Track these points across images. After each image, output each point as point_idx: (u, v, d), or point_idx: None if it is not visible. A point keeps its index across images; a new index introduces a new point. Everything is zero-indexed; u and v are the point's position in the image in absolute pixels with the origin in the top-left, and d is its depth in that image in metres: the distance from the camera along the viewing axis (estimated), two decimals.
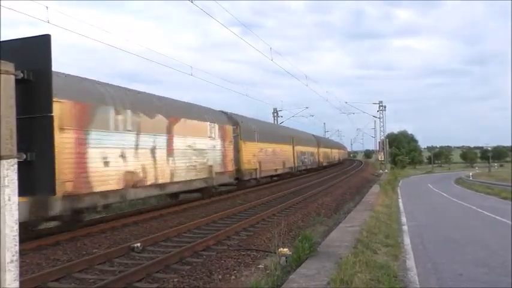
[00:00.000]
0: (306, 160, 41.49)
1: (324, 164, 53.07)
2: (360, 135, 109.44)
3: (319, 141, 51.14)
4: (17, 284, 2.42)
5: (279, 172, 30.81)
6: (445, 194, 28.12)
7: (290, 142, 34.94)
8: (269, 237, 9.36)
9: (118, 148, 12.43)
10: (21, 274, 2.58)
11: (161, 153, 14.71)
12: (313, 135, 50.39)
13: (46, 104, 2.63)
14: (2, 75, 2.41)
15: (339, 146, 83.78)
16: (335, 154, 69.28)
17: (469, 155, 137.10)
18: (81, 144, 11.11)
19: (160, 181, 14.52)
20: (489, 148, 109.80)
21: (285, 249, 7.46)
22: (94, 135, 11.50)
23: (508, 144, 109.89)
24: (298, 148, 37.78)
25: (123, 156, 12.57)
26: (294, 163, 35.78)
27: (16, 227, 2.42)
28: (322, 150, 51.82)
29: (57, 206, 10.10)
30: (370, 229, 10.00)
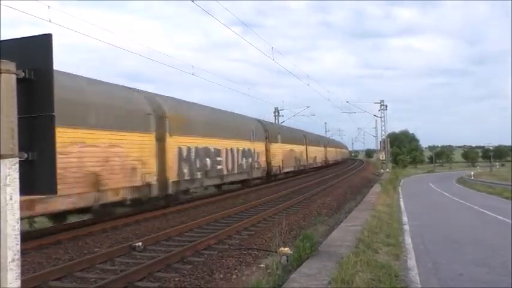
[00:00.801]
0: (218, 166, 19.90)
1: (286, 169, 32.67)
2: (361, 134, 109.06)
3: (272, 132, 30.03)
4: (18, 283, 2.42)
5: (72, 205, 10.95)
6: (446, 194, 28.09)
7: (149, 128, 14.50)
8: (270, 237, 9.37)
9: None
10: (22, 273, 2.58)
11: None
12: (258, 121, 29.20)
13: (47, 103, 2.63)
14: (3, 74, 2.42)
15: (329, 143, 61.30)
16: (318, 154, 47.69)
17: (470, 155, 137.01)
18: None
19: None
20: (490, 148, 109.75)
21: (286, 249, 7.47)
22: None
23: (509, 144, 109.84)
24: (187, 141, 17.05)
25: None
26: (165, 173, 15.21)
27: (18, 226, 2.43)
28: (280, 147, 31.12)
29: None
30: (372, 228, 9.99)
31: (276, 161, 29.98)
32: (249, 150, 24.40)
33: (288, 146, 33.64)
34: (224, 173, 20.46)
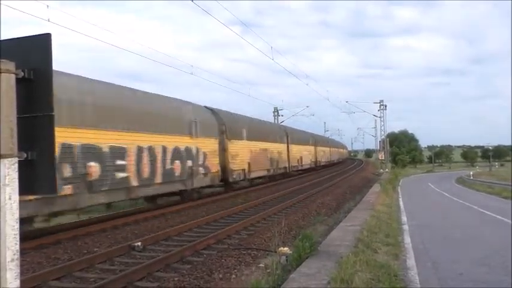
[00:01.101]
0: (120, 173, 13.03)
1: (256, 174, 25.66)
2: (360, 134, 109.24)
3: (231, 125, 22.52)
4: (17, 282, 2.42)
5: None
6: (445, 193, 28.10)
7: None
8: (269, 237, 9.37)
9: None
10: (21, 273, 2.59)
11: None
12: (209, 109, 21.47)
13: (47, 102, 2.64)
14: (2, 74, 2.42)
15: (322, 142, 52.83)
16: (305, 154, 40.82)
17: (469, 154, 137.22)
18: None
19: None
20: (490, 147, 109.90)
21: (286, 249, 7.47)
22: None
23: (508, 143, 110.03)
24: None
25: None
26: None
27: (17, 225, 2.43)
28: (246, 145, 24.20)
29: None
30: (371, 228, 9.99)
31: (239, 164, 22.65)
32: (189, 149, 17.25)
33: (259, 144, 26.23)
34: (132, 183, 13.51)
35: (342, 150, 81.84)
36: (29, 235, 9.77)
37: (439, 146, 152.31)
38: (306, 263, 6.72)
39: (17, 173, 2.44)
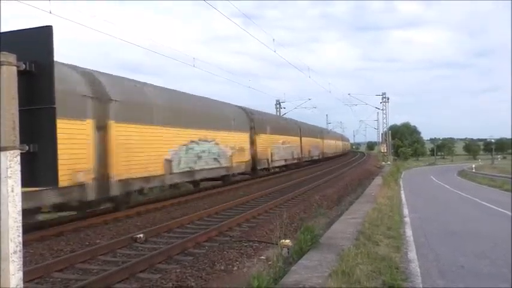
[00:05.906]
0: None
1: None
2: (362, 127, 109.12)
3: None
4: (20, 274, 2.44)
5: None
6: (447, 186, 28.09)
7: None
8: (271, 229, 9.40)
9: None
10: (24, 265, 2.60)
11: None
12: None
13: (48, 95, 2.63)
14: (4, 66, 2.42)
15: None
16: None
17: (472, 147, 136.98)
18: None
19: None
20: (492, 140, 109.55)
21: (287, 241, 7.49)
22: None
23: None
24: None
25: None
26: None
27: (19, 218, 2.44)
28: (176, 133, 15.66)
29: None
30: (372, 221, 10.00)
31: (141, 162, 13.68)
32: None
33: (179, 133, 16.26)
34: None
35: (341, 142, 72.99)
36: (31, 227, 9.82)
37: (441, 138, 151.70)
38: (308, 255, 6.74)
39: (19, 166, 2.45)
